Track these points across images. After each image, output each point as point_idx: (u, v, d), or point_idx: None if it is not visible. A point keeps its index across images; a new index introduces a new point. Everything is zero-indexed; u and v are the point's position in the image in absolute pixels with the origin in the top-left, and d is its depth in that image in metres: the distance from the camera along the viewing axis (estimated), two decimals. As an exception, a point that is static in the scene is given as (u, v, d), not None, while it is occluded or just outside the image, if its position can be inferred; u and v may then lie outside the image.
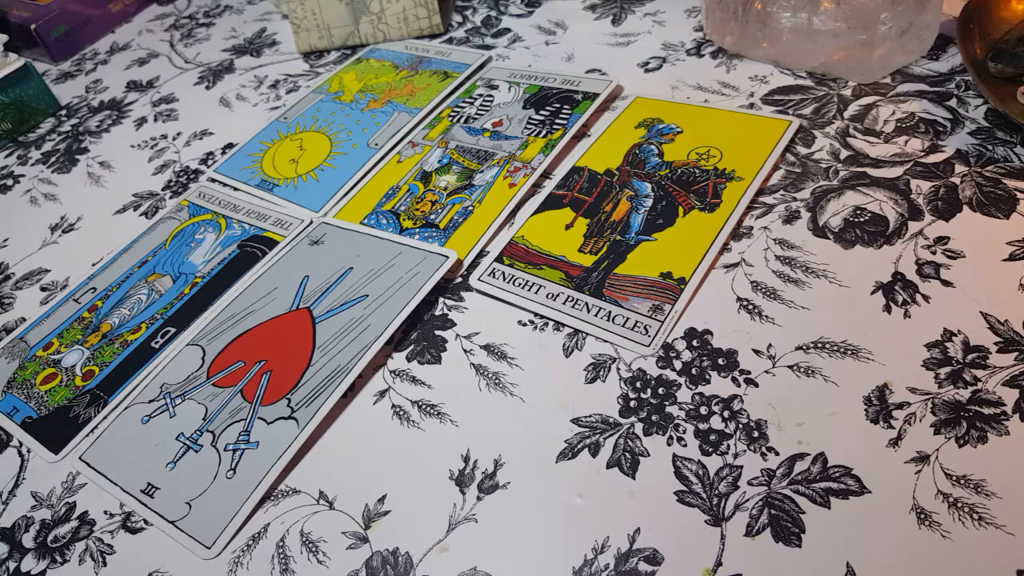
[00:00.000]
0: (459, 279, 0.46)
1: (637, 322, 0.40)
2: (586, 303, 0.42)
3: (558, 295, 0.43)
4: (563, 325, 0.42)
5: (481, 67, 0.64)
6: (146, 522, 0.38)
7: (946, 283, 0.39)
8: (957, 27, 0.50)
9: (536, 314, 0.43)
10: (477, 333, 0.43)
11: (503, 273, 0.45)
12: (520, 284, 0.44)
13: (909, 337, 0.37)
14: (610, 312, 0.41)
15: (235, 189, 0.57)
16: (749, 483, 0.33)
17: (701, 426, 0.36)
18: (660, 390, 0.38)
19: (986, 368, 0.35)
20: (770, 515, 0.32)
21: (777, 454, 0.34)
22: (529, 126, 0.55)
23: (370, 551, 0.34)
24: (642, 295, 0.41)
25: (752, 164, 0.47)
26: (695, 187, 0.47)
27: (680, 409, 0.37)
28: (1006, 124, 0.47)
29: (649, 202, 0.47)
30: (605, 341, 0.40)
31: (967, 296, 0.38)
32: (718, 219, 0.45)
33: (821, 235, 0.43)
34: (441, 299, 0.45)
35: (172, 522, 0.37)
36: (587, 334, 0.41)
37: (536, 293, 0.43)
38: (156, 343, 0.46)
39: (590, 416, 0.37)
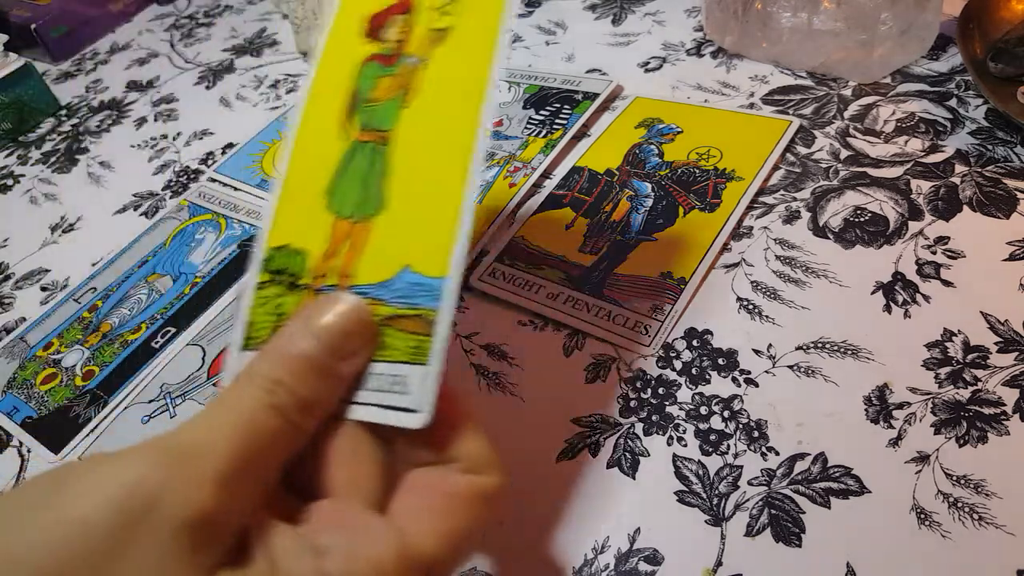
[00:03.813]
0: (459, 279, 0.46)
1: (637, 322, 0.40)
2: (586, 303, 0.42)
3: (558, 295, 0.43)
4: (563, 325, 0.42)
5: (481, 67, 0.64)
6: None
7: (946, 283, 0.39)
8: (957, 27, 0.50)
9: (536, 314, 0.43)
10: (477, 333, 0.43)
11: (503, 273, 0.45)
12: (520, 284, 0.44)
13: (909, 337, 0.37)
14: (610, 312, 0.41)
15: (235, 189, 0.57)
16: (749, 483, 0.33)
17: (701, 426, 0.36)
18: (660, 390, 0.38)
19: (986, 368, 0.35)
20: (770, 515, 0.32)
21: (777, 454, 0.34)
22: (529, 126, 0.55)
23: (370, 551, 0.34)
24: (642, 295, 0.41)
25: (752, 164, 0.47)
26: (695, 187, 0.47)
27: (680, 409, 0.37)
28: (1006, 124, 0.47)
29: (649, 202, 0.47)
30: (605, 341, 0.40)
31: (967, 296, 0.38)
32: (718, 219, 0.45)
33: (821, 235, 0.43)
34: (441, 299, 0.45)
35: (172, 522, 0.37)
36: (587, 334, 0.41)
37: (536, 293, 0.43)
38: (156, 343, 0.46)
39: (590, 416, 0.37)
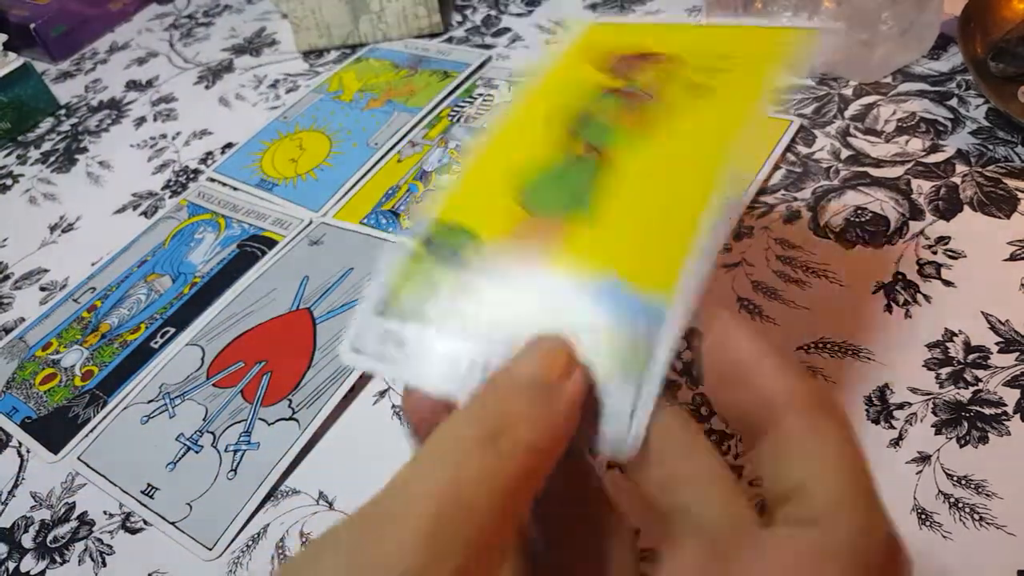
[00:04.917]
0: (459, 279, 0.46)
1: (637, 322, 0.40)
2: (586, 303, 0.42)
3: (558, 295, 0.43)
4: (563, 325, 0.41)
5: (481, 66, 0.64)
6: (146, 522, 0.37)
7: (947, 283, 0.39)
8: (958, 26, 0.50)
9: (536, 314, 0.42)
10: (477, 333, 0.42)
11: (503, 273, 0.45)
12: (520, 284, 0.44)
13: (910, 337, 0.37)
14: (610, 312, 0.41)
15: (234, 189, 0.57)
16: (751, 484, 0.33)
17: (702, 426, 0.36)
18: (660, 390, 0.37)
19: (987, 368, 0.35)
20: (771, 516, 0.32)
21: (778, 454, 0.34)
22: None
23: (370, 552, 0.34)
24: (642, 295, 0.41)
25: (753, 163, 0.47)
26: (695, 187, 0.47)
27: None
28: (1007, 124, 0.47)
29: (649, 202, 0.47)
30: (605, 341, 0.40)
31: (968, 296, 0.38)
32: (719, 219, 0.44)
33: (822, 235, 0.43)
34: (441, 299, 0.45)
35: (173, 523, 0.37)
36: (587, 334, 0.41)
37: (536, 293, 0.43)
38: (155, 343, 0.46)
39: (590, 416, 0.37)
